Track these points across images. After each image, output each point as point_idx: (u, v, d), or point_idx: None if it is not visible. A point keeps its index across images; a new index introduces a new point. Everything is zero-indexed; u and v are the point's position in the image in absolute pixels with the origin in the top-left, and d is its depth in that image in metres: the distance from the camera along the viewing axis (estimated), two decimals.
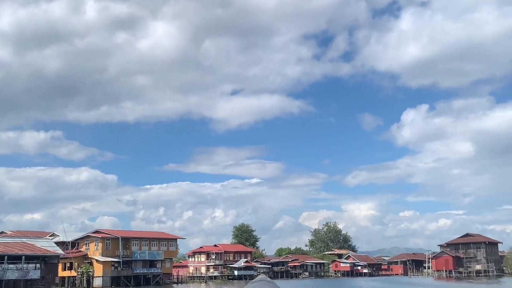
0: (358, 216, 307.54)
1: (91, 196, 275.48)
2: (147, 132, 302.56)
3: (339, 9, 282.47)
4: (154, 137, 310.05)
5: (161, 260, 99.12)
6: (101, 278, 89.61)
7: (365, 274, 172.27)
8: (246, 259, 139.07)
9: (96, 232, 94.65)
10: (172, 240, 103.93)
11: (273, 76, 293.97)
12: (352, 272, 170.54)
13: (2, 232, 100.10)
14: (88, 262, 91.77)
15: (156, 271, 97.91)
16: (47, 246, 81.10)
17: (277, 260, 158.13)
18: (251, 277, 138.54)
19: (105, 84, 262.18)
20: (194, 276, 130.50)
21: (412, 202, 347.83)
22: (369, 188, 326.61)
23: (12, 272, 66.00)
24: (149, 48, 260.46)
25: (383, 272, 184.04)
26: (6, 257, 65.65)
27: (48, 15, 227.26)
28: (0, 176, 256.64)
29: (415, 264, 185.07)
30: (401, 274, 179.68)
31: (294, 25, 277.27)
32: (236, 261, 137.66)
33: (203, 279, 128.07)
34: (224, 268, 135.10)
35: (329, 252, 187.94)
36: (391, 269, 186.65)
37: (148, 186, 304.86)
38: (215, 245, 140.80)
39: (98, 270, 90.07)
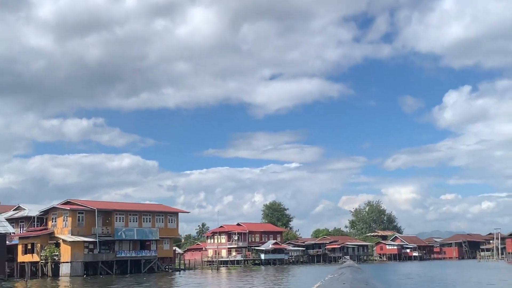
0: (398, 199, 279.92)
1: (132, 181, 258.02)
2: (186, 118, 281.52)
3: None
4: (193, 123, 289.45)
5: (156, 240, 71.87)
6: (68, 264, 62.84)
7: (415, 258, 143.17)
8: (275, 241, 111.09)
9: (66, 203, 67.89)
10: (171, 214, 76.30)
11: (312, 60, 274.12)
12: (400, 256, 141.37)
13: None
14: (54, 243, 65.21)
15: (148, 254, 70.79)
16: None
17: (312, 242, 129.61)
18: (281, 261, 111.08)
19: (145, 71, 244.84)
20: (212, 261, 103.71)
21: (454, 185, 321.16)
22: (410, 171, 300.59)
23: None
24: (187, 34, 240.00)
25: (435, 256, 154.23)
26: None
27: (88, 3, 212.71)
28: (45, 163, 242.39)
29: (470, 246, 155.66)
30: (456, 257, 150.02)
31: (333, 7, 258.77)
32: (263, 243, 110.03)
33: (222, 264, 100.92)
34: (248, 251, 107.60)
35: (372, 234, 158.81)
36: (444, 252, 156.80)
37: (188, 172, 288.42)
38: (238, 224, 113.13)
39: (65, 253, 63.39)
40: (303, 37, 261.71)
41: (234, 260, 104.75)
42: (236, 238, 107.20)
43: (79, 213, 65.99)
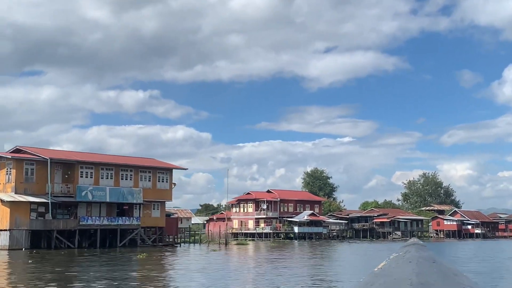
0: (454, 176, 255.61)
1: (186, 153, 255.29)
2: (240, 91, 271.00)
3: None
4: (246, 96, 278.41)
5: (140, 205, 51.47)
6: (7, 233, 43.25)
7: (477, 236, 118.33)
8: (311, 212, 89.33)
9: (15, 151, 48.27)
10: (162, 171, 55.36)
11: (367, 33, 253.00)
12: (460, 233, 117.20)
13: None
14: None
15: (128, 222, 50.53)
16: None
17: (358, 214, 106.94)
18: (318, 236, 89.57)
19: (199, 44, 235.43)
20: (237, 233, 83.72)
21: None
22: (466, 148, 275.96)
23: None
24: (241, 7, 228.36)
25: (500, 234, 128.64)
26: None
27: None
28: (102, 133, 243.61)
29: None
30: None
31: None
32: (298, 214, 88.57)
33: (249, 237, 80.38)
34: (279, 222, 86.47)
35: (427, 208, 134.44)
36: (510, 229, 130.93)
37: (241, 144, 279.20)
38: (268, 191, 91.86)
39: (4, 218, 43.81)
40: (358, 9, 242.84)
41: (262, 233, 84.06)
42: (265, 207, 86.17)
43: (27, 163, 46.25)
